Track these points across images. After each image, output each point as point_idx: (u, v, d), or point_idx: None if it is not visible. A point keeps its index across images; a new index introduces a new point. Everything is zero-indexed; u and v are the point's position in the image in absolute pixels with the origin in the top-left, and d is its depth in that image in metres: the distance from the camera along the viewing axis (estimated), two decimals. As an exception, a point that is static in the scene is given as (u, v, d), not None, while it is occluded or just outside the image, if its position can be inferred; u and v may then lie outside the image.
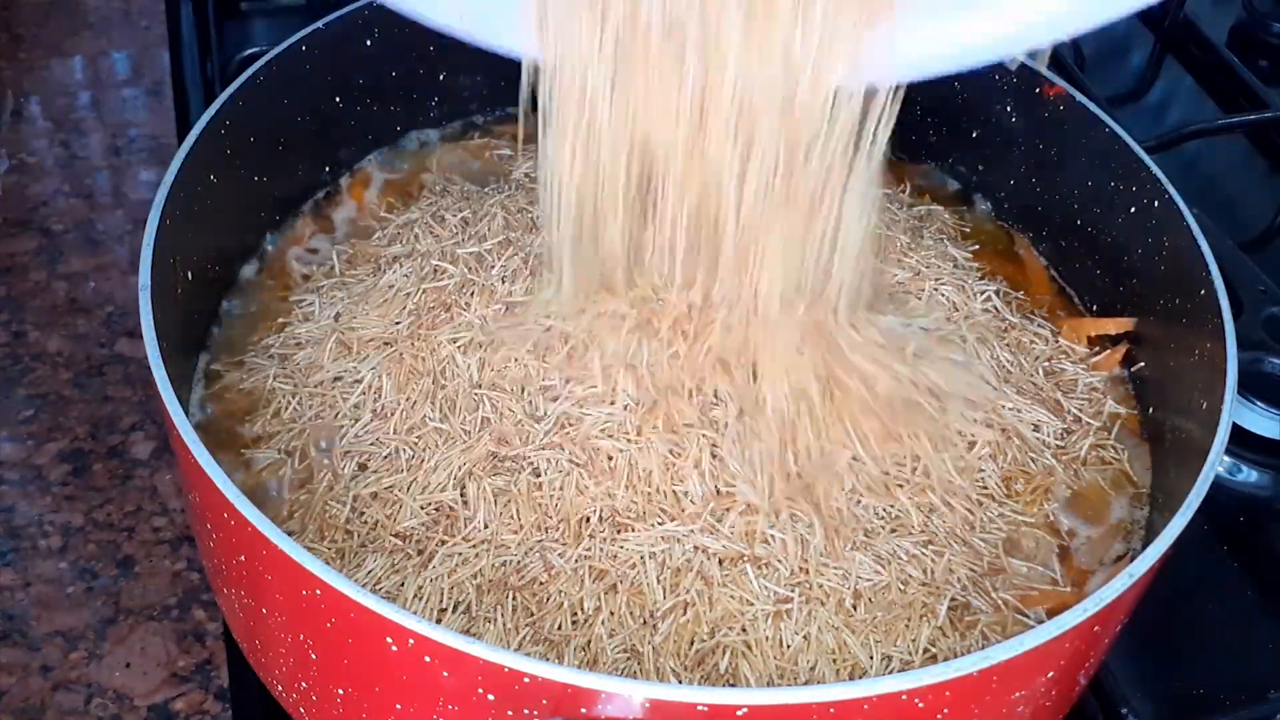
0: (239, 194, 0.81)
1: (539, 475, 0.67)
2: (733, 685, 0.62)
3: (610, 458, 0.67)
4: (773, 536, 0.65)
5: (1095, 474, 0.75)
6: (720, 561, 0.64)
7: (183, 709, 0.73)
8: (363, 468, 0.70)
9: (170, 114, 1.11)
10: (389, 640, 0.52)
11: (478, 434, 0.69)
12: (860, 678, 0.62)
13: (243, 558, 0.59)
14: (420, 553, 0.66)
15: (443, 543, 0.65)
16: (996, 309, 0.81)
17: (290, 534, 0.55)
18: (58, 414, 0.88)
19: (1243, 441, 0.85)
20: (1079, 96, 0.83)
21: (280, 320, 0.79)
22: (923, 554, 0.67)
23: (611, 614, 0.63)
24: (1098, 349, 0.82)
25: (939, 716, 0.53)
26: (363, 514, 0.68)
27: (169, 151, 1.04)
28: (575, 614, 0.63)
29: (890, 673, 0.62)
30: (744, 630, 0.63)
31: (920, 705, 0.52)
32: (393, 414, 0.71)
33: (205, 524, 0.62)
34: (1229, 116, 1.15)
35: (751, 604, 0.63)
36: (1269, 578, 0.80)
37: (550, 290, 0.71)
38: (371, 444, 0.70)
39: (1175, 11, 1.26)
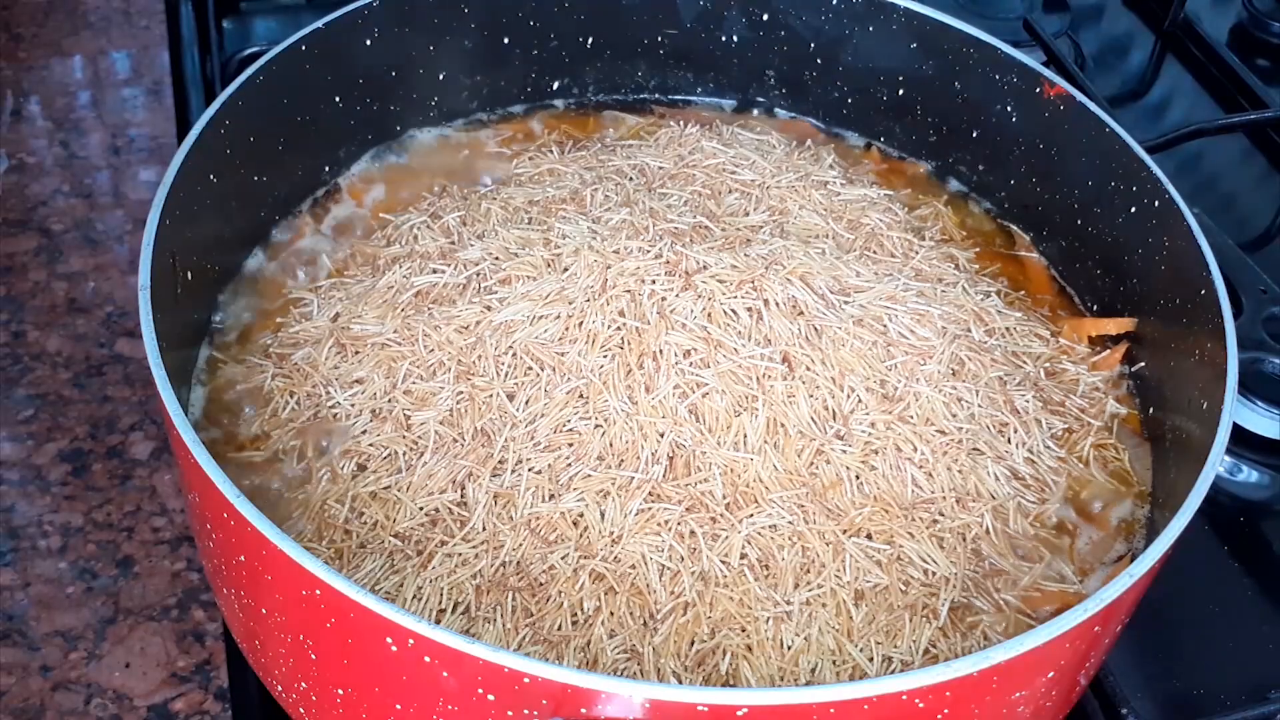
0: (239, 194, 0.81)
1: (539, 474, 0.67)
2: (733, 686, 0.62)
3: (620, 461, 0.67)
4: (779, 539, 0.65)
5: (1096, 473, 0.75)
6: (723, 562, 0.65)
7: (182, 709, 0.73)
8: (361, 468, 0.70)
9: (170, 114, 1.11)
10: (389, 640, 0.52)
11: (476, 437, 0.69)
12: (861, 679, 0.62)
13: (243, 558, 0.58)
14: (419, 553, 0.66)
15: (442, 543, 0.65)
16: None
17: (289, 534, 0.55)
18: (57, 414, 0.88)
19: (1243, 441, 0.85)
20: (1079, 96, 0.83)
21: (278, 320, 0.79)
22: (925, 555, 0.67)
23: (611, 614, 0.63)
24: (1098, 349, 0.82)
25: (939, 717, 0.53)
26: (361, 514, 0.68)
27: (169, 151, 1.04)
28: (575, 614, 0.63)
29: (891, 673, 0.62)
30: (744, 631, 0.63)
31: (920, 705, 0.52)
32: (391, 414, 0.71)
33: (205, 524, 0.62)
34: (1229, 116, 1.15)
35: (751, 607, 0.63)
36: (1269, 578, 0.80)
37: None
38: (370, 445, 0.70)
39: (1175, 11, 1.26)
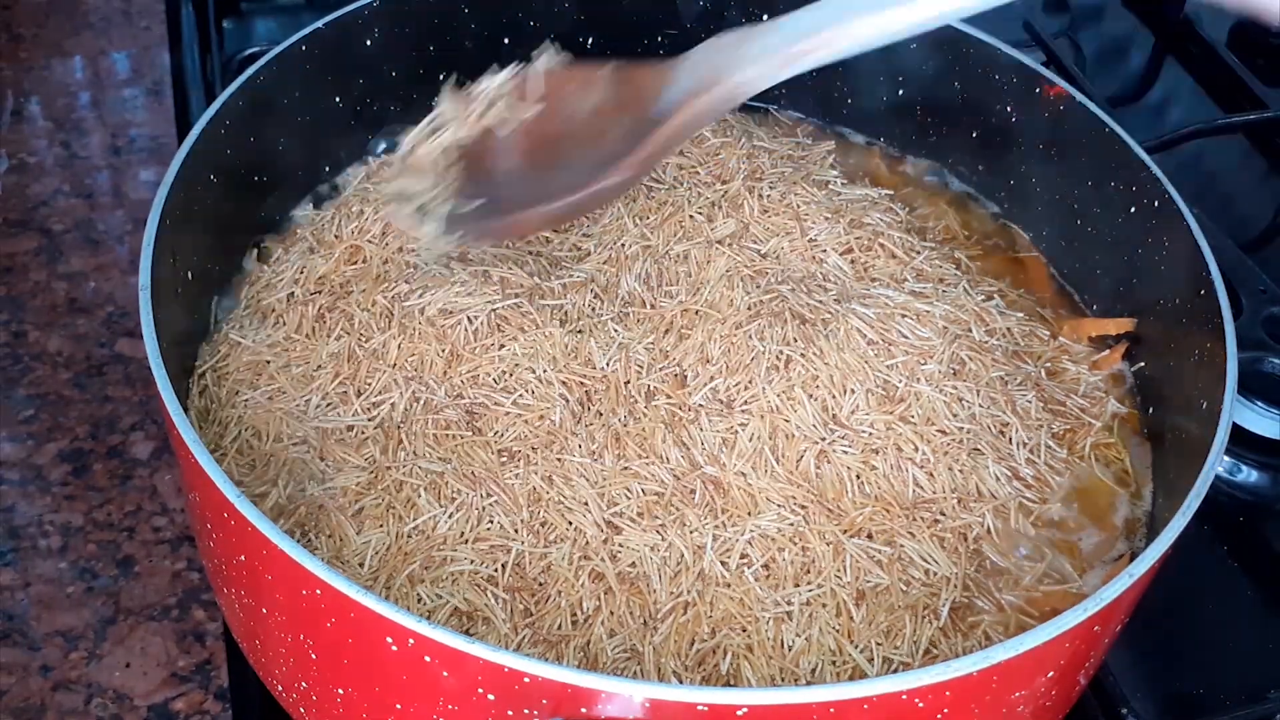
0: (239, 194, 0.81)
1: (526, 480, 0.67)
2: (733, 686, 0.62)
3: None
4: (780, 539, 0.65)
5: (1097, 473, 0.75)
6: (722, 562, 0.65)
7: (183, 709, 0.73)
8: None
9: (170, 114, 1.11)
10: (389, 640, 0.52)
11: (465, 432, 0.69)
12: (861, 679, 0.62)
13: (243, 558, 0.58)
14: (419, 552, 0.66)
15: (442, 543, 0.65)
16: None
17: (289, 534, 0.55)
18: (58, 414, 0.88)
19: (1243, 441, 0.85)
20: (1079, 96, 0.83)
21: (277, 320, 0.79)
22: (925, 555, 0.66)
23: (611, 614, 0.63)
24: (1098, 348, 0.82)
25: (939, 716, 0.53)
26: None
27: (169, 151, 1.04)
28: (575, 614, 0.63)
29: (891, 673, 0.62)
30: (745, 631, 0.63)
31: (920, 705, 0.52)
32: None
33: (205, 524, 0.62)
34: (1229, 116, 1.15)
35: (751, 608, 0.63)
36: (1269, 578, 0.80)
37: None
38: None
39: (1175, 11, 1.26)
